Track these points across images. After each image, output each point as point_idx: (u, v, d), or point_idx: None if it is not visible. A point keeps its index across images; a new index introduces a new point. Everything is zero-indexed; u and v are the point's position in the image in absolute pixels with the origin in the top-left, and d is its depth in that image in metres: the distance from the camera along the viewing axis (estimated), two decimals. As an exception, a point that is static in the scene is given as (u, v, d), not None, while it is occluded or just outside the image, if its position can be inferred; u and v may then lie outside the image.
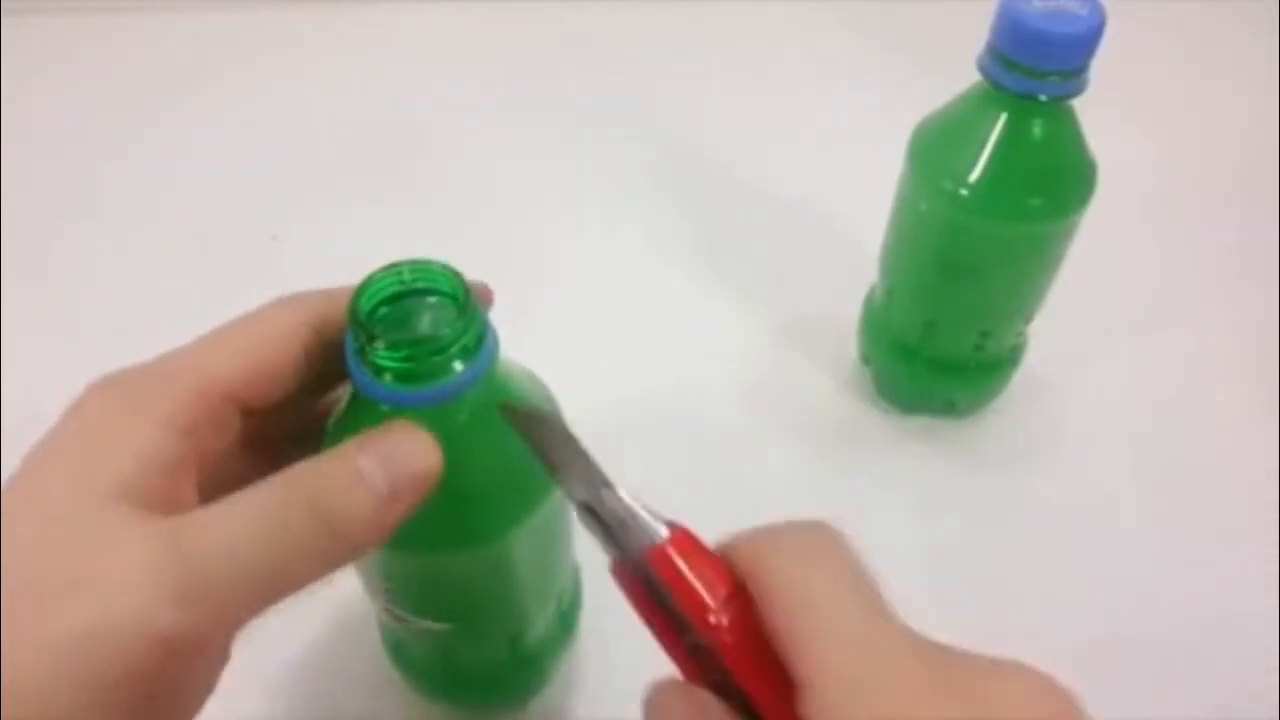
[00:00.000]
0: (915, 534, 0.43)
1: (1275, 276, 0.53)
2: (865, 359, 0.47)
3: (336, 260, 0.53)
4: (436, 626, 0.29)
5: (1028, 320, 0.42)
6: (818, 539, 0.23)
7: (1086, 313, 0.49)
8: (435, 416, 0.24)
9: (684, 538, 0.24)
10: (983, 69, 0.35)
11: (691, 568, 0.23)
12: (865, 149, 0.48)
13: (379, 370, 0.23)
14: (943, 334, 0.42)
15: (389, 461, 0.22)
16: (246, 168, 0.59)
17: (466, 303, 0.23)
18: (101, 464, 0.21)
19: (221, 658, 0.22)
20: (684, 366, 0.49)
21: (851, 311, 0.47)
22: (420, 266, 0.24)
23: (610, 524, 0.24)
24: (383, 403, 0.23)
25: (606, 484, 0.24)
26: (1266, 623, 0.40)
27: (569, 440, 0.24)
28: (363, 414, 0.24)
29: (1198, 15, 0.71)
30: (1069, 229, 0.38)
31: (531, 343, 0.50)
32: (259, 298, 0.55)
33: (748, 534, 0.23)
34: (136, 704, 0.19)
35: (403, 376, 0.23)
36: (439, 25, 0.70)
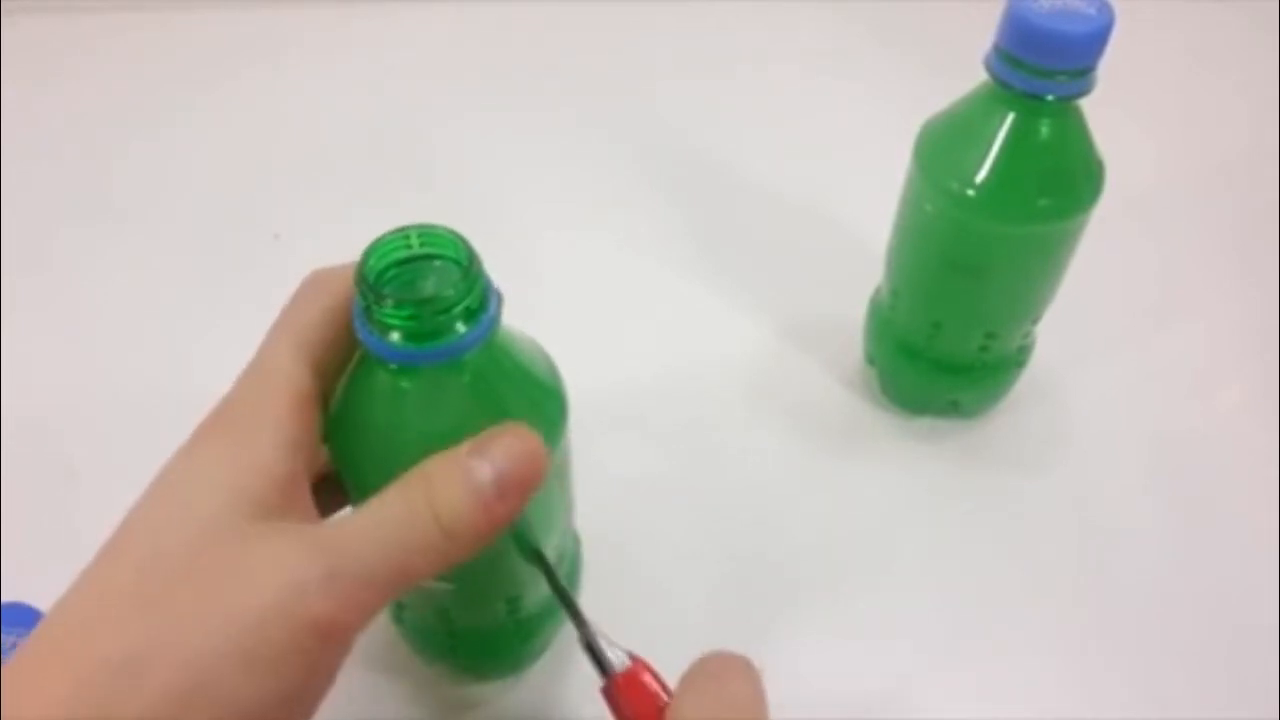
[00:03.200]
0: (919, 534, 0.43)
1: (1278, 276, 0.53)
2: (870, 359, 0.47)
3: (338, 259, 0.54)
4: (436, 586, 0.29)
5: (1034, 321, 0.42)
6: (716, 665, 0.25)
7: (1092, 314, 0.49)
8: (440, 376, 0.25)
9: (630, 676, 0.26)
10: (990, 68, 0.35)
11: (629, 701, 0.26)
12: (871, 149, 0.48)
13: (385, 329, 0.24)
14: (948, 335, 0.42)
15: (497, 463, 0.24)
16: (248, 167, 0.59)
17: (471, 266, 0.24)
18: (235, 483, 0.23)
19: (349, 649, 0.24)
20: (688, 367, 0.49)
21: (857, 312, 0.47)
22: (427, 231, 0.26)
23: (595, 654, 0.27)
24: (388, 361, 0.24)
25: (584, 624, 0.27)
26: (1267, 623, 0.40)
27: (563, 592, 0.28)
28: (370, 373, 0.25)
29: (1199, 15, 0.71)
30: (1076, 230, 0.38)
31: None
32: (261, 297, 0.55)
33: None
34: (290, 682, 0.22)
35: (408, 335, 0.24)
36: (440, 25, 0.70)
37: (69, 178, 0.58)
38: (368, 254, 0.25)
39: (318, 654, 0.22)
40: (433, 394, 0.25)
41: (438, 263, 0.25)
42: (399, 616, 0.36)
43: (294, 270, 0.53)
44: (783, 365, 0.49)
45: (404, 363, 0.24)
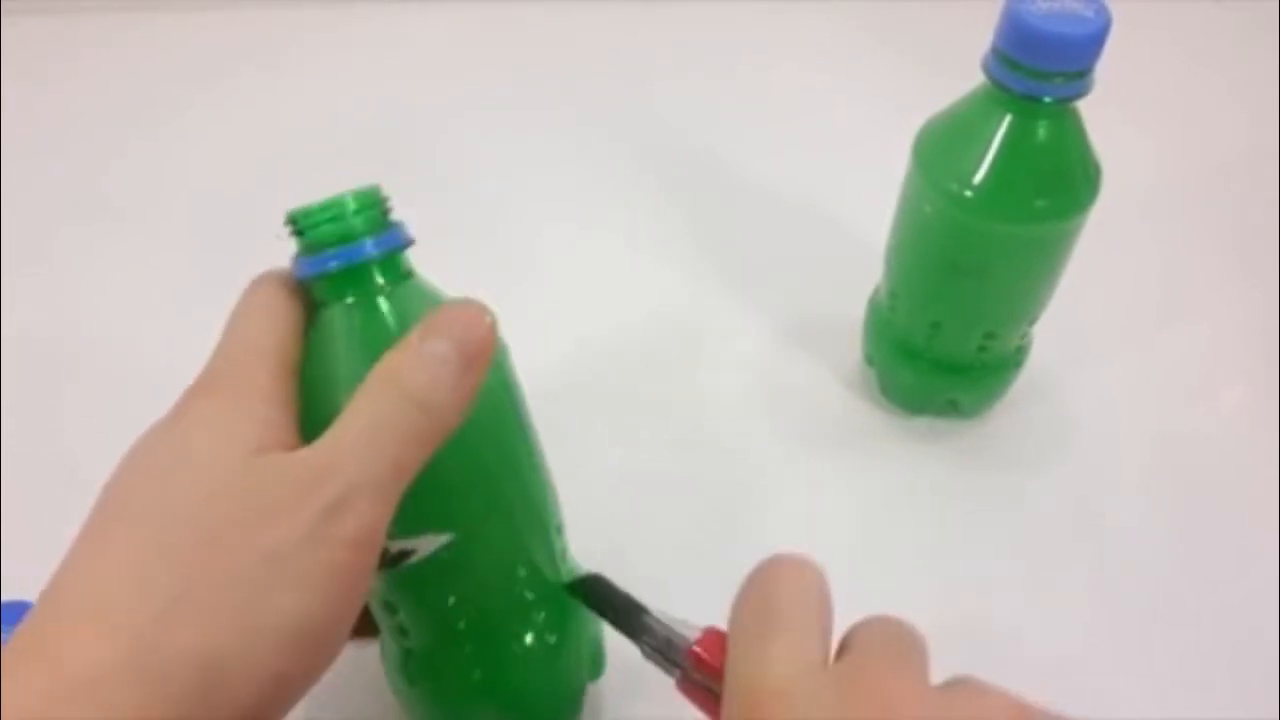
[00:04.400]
0: (919, 534, 0.43)
1: (1277, 276, 0.53)
2: (869, 359, 0.47)
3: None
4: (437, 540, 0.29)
5: (1032, 322, 0.42)
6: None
7: (1090, 314, 0.49)
8: (363, 309, 0.27)
9: (712, 636, 0.27)
10: (987, 70, 0.35)
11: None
12: (870, 150, 0.48)
13: (303, 249, 0.27)
14: (947, 335, 0.42)
15: (453, 336, 0.25)
16: (248, 167, 0.59)
17: (371, 193, 0.28)
18: (229, 430, 0.24)
19: (379, 551, 0.25)
20: (688, 366, 0.49)
21: (856, 312, 0.47)
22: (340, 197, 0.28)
23: (661, 648, 0.27)
24: (307, 275, 0.27)
25: (644, 611, 0.28)
26: (1267, 622, 0.40)
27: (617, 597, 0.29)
28: (311, 325, 0.28)
29: (1198, 16, 0.71)
30: (1073, 230, 0.38)
31: (533, 342, 0.50)
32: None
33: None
34: (337, 599, 0.23)
35: (319, 240, 0.27)
36: (441, 25, 0.70)
37: (69, 177, 0.58)
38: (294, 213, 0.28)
39: (355, 566, 0.23)
40: (361, 328, 0.27)
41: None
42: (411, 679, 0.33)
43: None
44: (782, 365, 0.49)
45: (319, 270, 0.27)
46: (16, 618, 0.38)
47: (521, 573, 0.31)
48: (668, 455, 0.46)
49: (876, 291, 0.46)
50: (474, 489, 0.29)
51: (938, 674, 0.40)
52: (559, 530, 0.33)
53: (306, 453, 0.24)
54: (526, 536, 0.31)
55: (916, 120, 0.40)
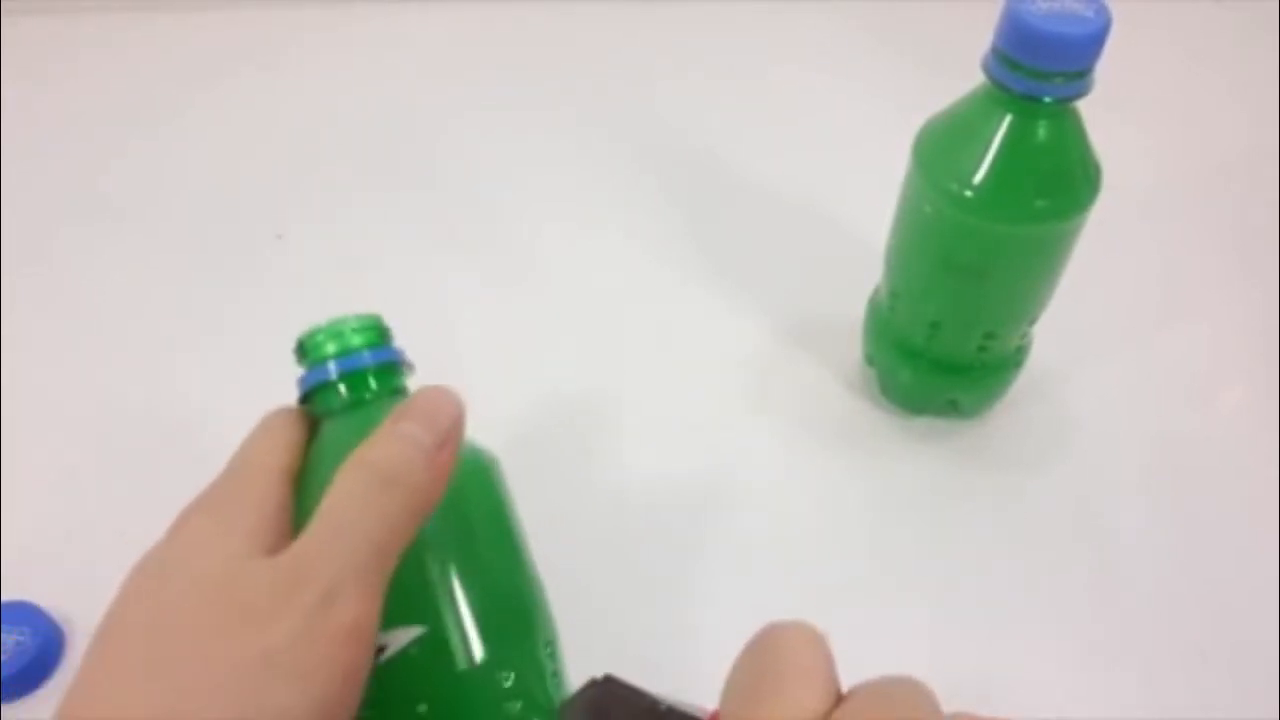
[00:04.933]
0: (919, 534, 0.43)
1: (1277, 276, 0.53)
2: (869, 360, 0.47)
3: (340, 259, 0.54)
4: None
5: (1032, 322, 0.42)
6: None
7: (1090, 314, 0.49)
8: (359, 420, 0.28)
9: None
10: (987, 70, 0.35)
11: None
12: (870, 150, 0.48)
13: (305, 360, 0.30)
14: (947, 335, 0.42)
15: (423, 417, 0.26)
16: (250, 167, 0.59)
17: (373, 324, 0.31)
18: (226, 544, 0.25)
19: (374, 639, 0.25)
20: (688, 367, 0.49)
21: (856, 312, 0.47)
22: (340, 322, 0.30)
23: None
24: (308, 385, 0.29)
25: (659, 702, 0.25)
26: (1267, 622, 0.40)
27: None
28: (312, 440, 0.29)
29: (1198, 15, 0.71)
30: (1073, 230, 0.38)
31: (533, 342, 0.50)
32: (265, 296, 0.56)
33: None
34: (332, 689, 0.23)
35: (319, 354, 0.29)
36: (441, 25, 0.70)
37: (69, 177, 0.58)
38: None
39: (351, 657, 0.23)
40: (357, 434, 0.27)
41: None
42: None
43: (297, 269, 0.54)
44: (782, 365, 0.49)
45: (321, 379, 0.29)
46: (16, 618, 0.38)
47: (503, 683, 0.29)
48: (665, 454, 0.46)
49: (876, 291, 0.46)
50: (447, 578, 0.28)
51: (938, 673, 0.40)
52: (550, 649, 0.31)
53: (290, 550, 0.24)
54: (509, 643, 0.29)
55: (916, 120, 0.40)
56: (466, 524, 0.29)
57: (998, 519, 0.44)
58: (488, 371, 0.49)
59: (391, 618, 0.27)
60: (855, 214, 0.53)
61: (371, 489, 0.24)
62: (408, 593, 0.27)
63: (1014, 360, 0.45)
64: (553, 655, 0.31)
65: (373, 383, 0.29)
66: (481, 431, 0.46)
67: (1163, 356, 0.50)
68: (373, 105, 0.63)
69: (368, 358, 0.30)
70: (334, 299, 0.51)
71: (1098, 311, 0.51)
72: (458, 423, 0.26)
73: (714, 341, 0.50)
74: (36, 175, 0.58)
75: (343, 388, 0.29)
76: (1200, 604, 0.41)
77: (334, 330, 0.30)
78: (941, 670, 0.40)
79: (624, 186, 0.58)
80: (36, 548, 0.42)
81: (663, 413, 0.47)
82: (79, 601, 0.39)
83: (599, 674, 0.25)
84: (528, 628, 0.30)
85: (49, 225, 0.55)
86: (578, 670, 0.30)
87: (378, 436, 0.26)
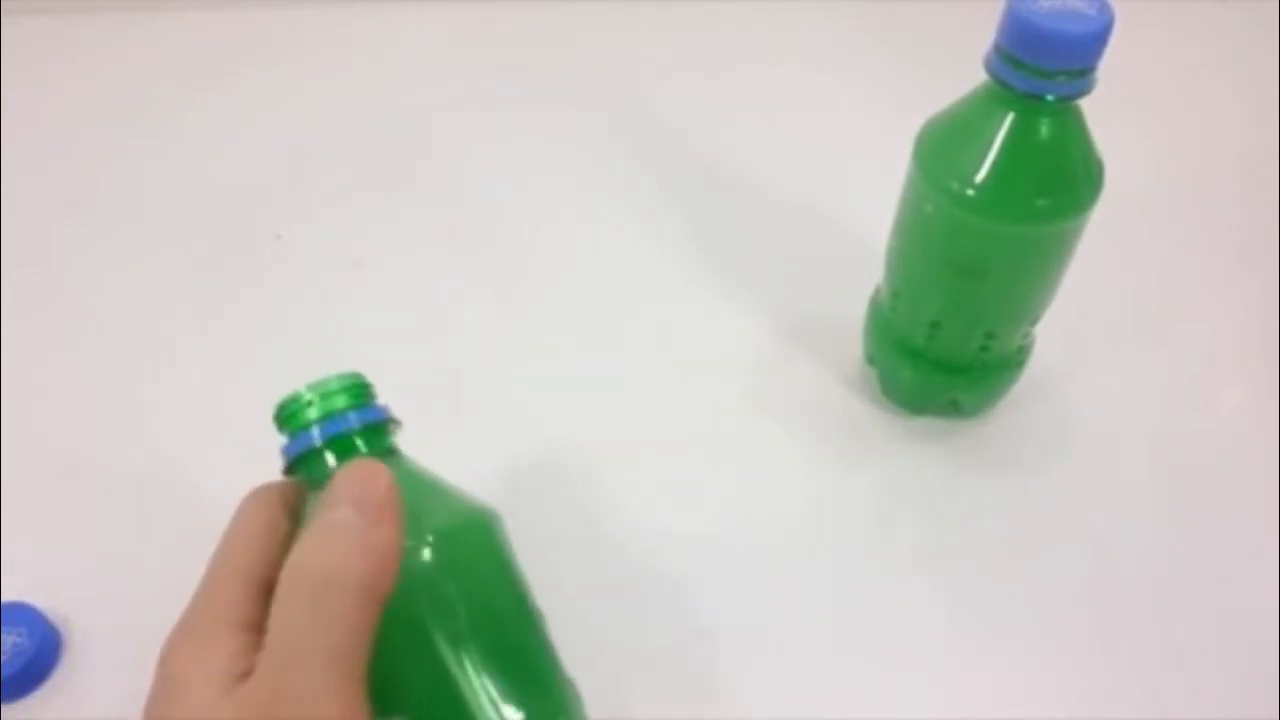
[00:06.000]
0: (920, 534, 0.43)
1: (1278, 276, 0.53)
2: (870, 359, 0.47)
3: (340, 259, 0.54)
4: None
5: (1034, 322, 0.42)
6: None
7: (1091, 314, 0.49)
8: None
9: None
10: (989, 68, 0.35)
11: None
12: (871, 149, 0.48)
13: (284, 428, 0.28)
14: (948, 335, 0.42)
15: (350, 499, 0.25)
16: (249, 167, 0.59)
17: (355, 382, 0.29)
18: (211, 670, 0.24)
19: None
20: (688, 367, 0.49)
21: (857, 312, 0.47)
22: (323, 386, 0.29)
23: None
24: (295, 453, 0.28)
25: None
26: (1267, 622, 0.40)
27: None
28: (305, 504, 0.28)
29: (1199, 15, 0.71)
30: (1075, 230, 0.38)
31: (533, 343, 0.50)
32: (264, 297, 0.56)
33: None
34: None
35: (300, 420, 0.28)
36: (440, 25, 0.70)
37: (70, 178, 0.58)
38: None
39: None
40: (369, 459, 0.27)
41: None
42: None
43: (296, 270, 0.54)
44: (783, 365, 0.49)
45: (304, 449, 0.27)
46: (16, 619, 0.38)
47: None
48: (665, 454, 0.46)
49: (877, 291, 0.46)
50: (423, 662, 0.27)
51: (939, 674, 0.40)
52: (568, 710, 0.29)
53: (252, 683, 0.24)
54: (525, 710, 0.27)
55: (916, 120, 0.40)
56: (466, 599, 0.27)
57: (998, 519, 0.44)
58: (487, 371, 0.49)
59: (386, 709, 0.26)
60: (855, 214, 0.53)
61: (314, 598, 0.24)
62: (383, 674, 0.26)
63: (1015, 360, 0.45)
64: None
65: (361, 446, 0.28)
66: (481, 431, 0.46)
67: (1164, 356, 0.50)
68: (372, 105, 0.63)
69: (353, 420, 0.28)
70: (334, 299, 0.52)
71: (1099, 311, 0.51)
72: (389, 493, 0.25)
73: (714, 341, 0.50)
74: (36, 175, 0.58)
75: (329, 455, 0.28)
76: (1200, 604, 0.41)
77: (316, 392, 0.28)
78: (942, 670, 0.41)
79: (624, 186, 0.58)
80: (36, 548, 0.42)
81: (662, 412, 0.47)
82: (77, 603, 0.39)
83: None
84: (544, 694, 0.28)
85: (49, 225, 0.55)
86: (578, 667, 0.30)
87: (307, 535, 0.25)
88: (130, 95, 0.64)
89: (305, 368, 0.30)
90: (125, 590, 0.39)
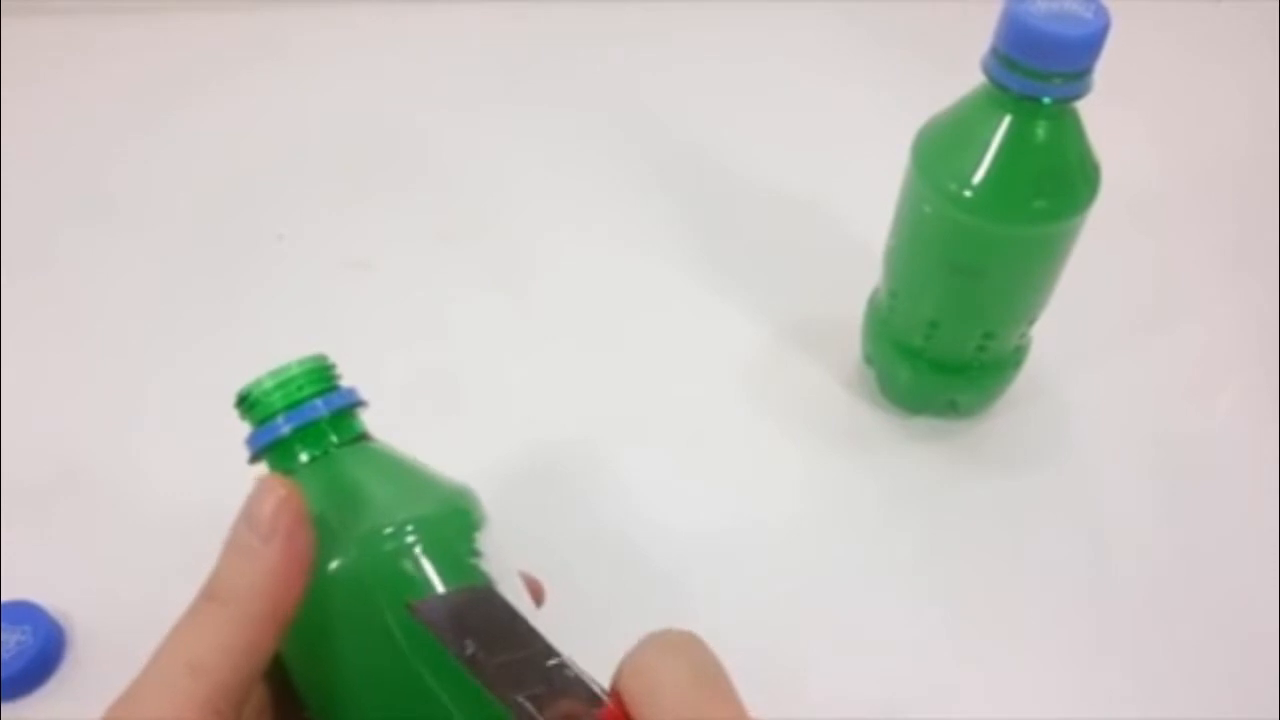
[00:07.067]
0: (918, 533, 0.43)
1: (1276, 276, 0.53)
2: (868, 360, 0.47)
3: (340, 259, 0.54)
4: None
5: (1031, 322, 0.43)
6: (670, 637, 0.26)
7: (1089, 314, 0.50)
8: (320, 480, 0.26)
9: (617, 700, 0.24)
10: (987, 71, 0.35)
11: None
12: (869, 150, 0.48)
13: (251, 417, 0.27)
14: (946, 335, 0.42)
15: (244, 517, 0.24)
16: (251, 168, 0.59)
17: (320, 366, 0.28)
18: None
19: None
20: (687, 367, 0.49)
21: (855, 312, 0.47)
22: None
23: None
24: (258, 444, 0.27)
25: (555, 656, 0.24)
26: (1267, 622, 0.40)
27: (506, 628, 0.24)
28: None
29: (1199, 15, 0.71)
30: (1073, 231, 0.38)
31: (533, 343, 0.50)
32: (265, 297, 0.56)
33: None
34: None
35: (266, 408, 0.27)
36: (441, 25, 0.70)
37: (69, 178, 0.58)
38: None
39: None
40: (318, 490, 0.26)
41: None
42: None
43: (297, 270, 0.54)
44: (782, 365, 0.49)
45: (271, 440, 0.26)
46: (17, 618, 0.38)
47: None
48: (665, 454, 0.46)
49: (876, 291, 0.46)
50: (381, 652, 0.25)
51: (937, 672, 0.40)
52: None
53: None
54: None
55: (916, 120, 0.40)
56: (439, 586, 0.26)
57: (997, 518, 0.44)
58: (487, 370, 0.49)
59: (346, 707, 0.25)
60: (855, 214, 0.53)
61: (191, 609, 0.23)
62: (331, 704, 0.25)
63: (1013, 360, 0.45)
64: None
65: (331, 435, 0.27)
66: (481, 430, 0.46)
67: (1162, 356, 0.50)
68: (373, 105, 0.64)
69: (321, 406, 0.27)
70: (335, 299, 0.52)
71: (1097, 311, 0.51)
72: (283, 507, 0.24)
73: (713, 341, 0.50)
74: (36, 175, 0.58)
75: (299, 446, 0.27)
76: (1200, 603, 0.41)
77: (279, 380, 0.27)
78: (942, 669, 0.41)
79: (624, 187, 0.58)
80: (39, 547, 0.42)
81: (661, 412, 0.47)
82: (81, 601, 0.40)
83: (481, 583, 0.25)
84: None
85: (49, 225, 0.55)
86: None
87: (220, 559, 0.24)
88: (130, 95, 0.64)
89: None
90: (129, 588, 0.39)
